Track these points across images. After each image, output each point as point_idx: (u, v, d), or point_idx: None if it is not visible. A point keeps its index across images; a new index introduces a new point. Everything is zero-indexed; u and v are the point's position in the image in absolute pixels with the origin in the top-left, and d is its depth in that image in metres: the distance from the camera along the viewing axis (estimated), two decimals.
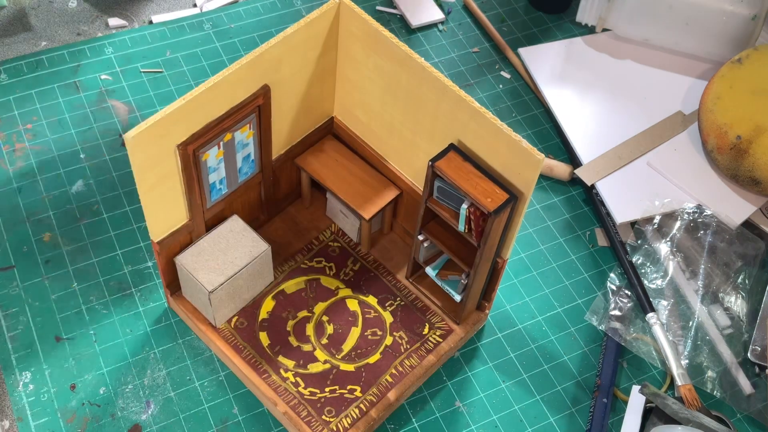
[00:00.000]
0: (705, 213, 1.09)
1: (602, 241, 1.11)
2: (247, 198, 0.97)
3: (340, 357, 0.95)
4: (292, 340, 0.96)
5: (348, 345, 0.96)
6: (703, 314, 1.03)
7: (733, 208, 1.10)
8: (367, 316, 0.99)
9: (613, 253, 1.10)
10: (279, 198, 1.03)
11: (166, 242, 0.89)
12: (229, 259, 0.91)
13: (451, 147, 0.85)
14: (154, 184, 0.82)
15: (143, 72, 1.19)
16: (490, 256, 0.89)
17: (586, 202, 1.14)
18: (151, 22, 1.26)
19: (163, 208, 0.85)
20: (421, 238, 0.94)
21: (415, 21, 1.29)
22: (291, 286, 1.00)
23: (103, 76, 1.18)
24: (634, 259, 1.06)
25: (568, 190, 1.16)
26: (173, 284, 0.96)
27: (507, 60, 1.27)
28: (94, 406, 0.92)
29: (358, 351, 0.96)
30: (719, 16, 1.18)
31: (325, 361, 0.95)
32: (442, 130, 0.86)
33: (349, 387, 0.93)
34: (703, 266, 1.06)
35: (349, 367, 0.95)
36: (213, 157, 0.86)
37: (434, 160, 0.84)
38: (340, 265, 1.02)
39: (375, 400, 0.92)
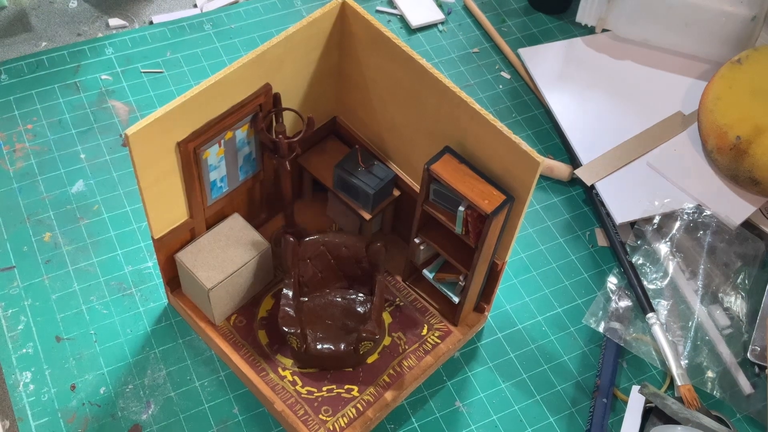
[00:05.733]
0: (705, 213, 1.09)
1: (602, 241, 1.11)
2: (248, 196, 0.97)
3: None
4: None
5: None
6: (702, 314, 1.03)
7: (733, 208, 1.10)
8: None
9: (612, 253, 1.10)
10: (280, 197, 1.03)
11: (167, 239, 0.90)
12: (229, 257, 0.92)
13: (447, 149, 0.85)
14: (155, 181, 0.82)
15: (144, 72, 1.19)
16: (487, 257, 0.89)
17: (586, 203, 1.14)
18: (151, 23, 1.26)
19: (164, 205, 0.86)
20: (417, 241, 0.94)
21: (416, 21, 1.29)
22: None
23: (103, 77, 1.18)
24: (633, 260, 1.06)
25: (568, 190, 1.16)
26: (173, 281, 0.96)
27: (507, 60, 1.28)
28: (95, 406, 0.92)
29: None
30: (719, 17, 1.18)
31: None
32: (442, 132, 0.86)
33: (346, 386, 0.93)
34: (702, 266, 1.06)
35: (347, 367, 0.95)
36: (214, 155, 0.86)
37: (429, 163, 0.84)
38: None
39: (372, 400, 0.92)
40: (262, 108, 0.88)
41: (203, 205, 0.91)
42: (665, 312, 1.03)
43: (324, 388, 0.93)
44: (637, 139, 1.16)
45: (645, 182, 1.12)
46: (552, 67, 1.23)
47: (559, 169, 1.15)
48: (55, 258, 1.02)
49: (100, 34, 1.24)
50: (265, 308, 0.98)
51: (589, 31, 1.31)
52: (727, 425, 0.93)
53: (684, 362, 1.00)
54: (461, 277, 0.94)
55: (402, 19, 1.31)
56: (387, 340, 0.97)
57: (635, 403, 0.95)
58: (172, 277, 0.96)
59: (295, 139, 0.89)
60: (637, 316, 1.03)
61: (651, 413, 0.95)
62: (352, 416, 0.91)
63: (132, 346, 0.97)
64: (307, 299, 0.97)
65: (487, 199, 0.82)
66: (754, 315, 1.04)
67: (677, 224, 1.08)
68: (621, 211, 1.09)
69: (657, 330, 1.00)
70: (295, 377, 0.93)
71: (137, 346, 0.97)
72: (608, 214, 1.09)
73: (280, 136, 0.88)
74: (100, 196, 1.07)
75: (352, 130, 0.99)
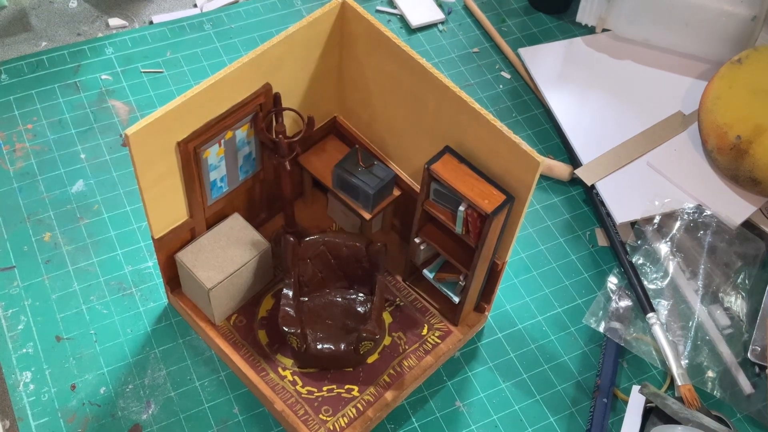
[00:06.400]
0: (705, 213, 1.09)
1: (602, 241, 1.11)
2: (248, 196, 0.97)
3: None
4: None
5: None
6: (703, 314, 1.03)
7: (733, 208, 1.10)
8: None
9: (613, 253, 1.10)
10: (280, 197, 1.03)
11: (167, 239, 0.90)
12: (229, 257, 0.92)
13: (447, 149, 0.85)
14: (155, 181, 0.82)
15: (144, 72, 1.19)
16: (487, 257, 0.89)
17: (586, 202, 1.14)
18: (151, 23, 1.26)
19: (164, 205, 0.86)
20: (417, 241, 0.94)
21: (416, 21, 1.29)
22: None
23: (103, 77, 1.18)
24: (634, 260, 1.06)
25: (568, 190, 1.16)
26: (173, 281, 0.96)
27: (507, 60, 1.28)
28: (95, 406, 0.92)
29: None
30: (719, 17, 1.18)
31: None
32: (442, 131, 0.86)
33: (346, 386, 0.93)
34: (703, 266, 1.06)
35: (348, 367, 0.95)
36: (214, 154, 0.86)
37: (430, 162, 0.84)
38: None
39: (372, 399, 0.92)
40: (262, 108, 0.88)
41: (203, 205, 0.91)
42: (665, 312, 1.03)
43: (324, 388, 0.93)
44: (637, 139, 1.16)
45: (645, 182, 1.12)
46: (552, 67, 1.23)
47: (559, 168, 1.15)
48: (55, 258, 1.02)
49: (100, 34, 1.24)
50: (265, 308, 0.98)
51: (589, 31, 1.31)
52: (727, 425, 0.93)
53: (684, 362, 1.00)
54: (461, 277, 0.94)
55: (402, 18, 1.31)
56: (387, 340, 0.97)
57: (635, 403, 0.95)
58: (172, 277, 0.96)
59: (295, 138, 0.89)
60: (638, 316, 1.03)
61: (651, 413, 0.95)
62: (352, 416, 0.91)
63: (132, 346, 0.97)
64: (307, 299, 0.97)
65: (487, 198, 0.82)
66: (755, 315, 1.04)
67: (677, 224, 1.08)
68: (621, 211, 1.09)
69: (657, 330, 1.00)
70: (295, 377, 0.93)
71: (137, 346, 0.97)
72: (608, 214, 1.09)
73: (280, 135, 0.88)
74: (100, 196, 1.07)
75: (352, 130, 0.99)
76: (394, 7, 1.32)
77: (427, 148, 0.90)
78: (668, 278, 1.05)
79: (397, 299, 1.00)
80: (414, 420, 0.95)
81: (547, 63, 1.24)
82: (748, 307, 1.05)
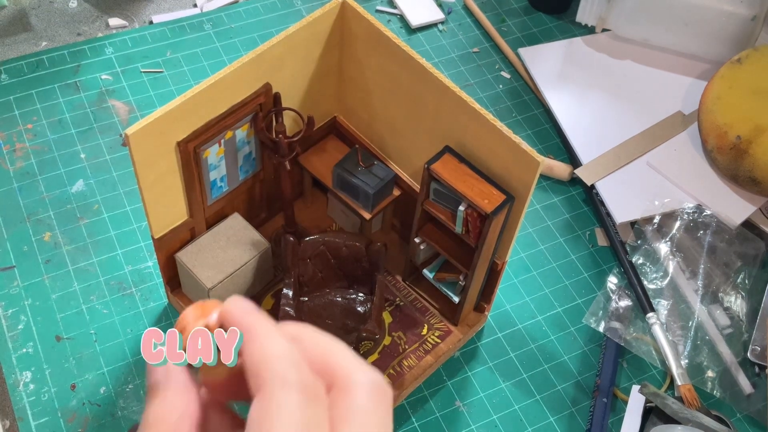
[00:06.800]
0: (705, 213, 1.09)
1: (602, 241, 1.11)
2: (248, 196, 0.98)
3: None
4: None
5: None
6: (702, 314, 1.03)
7: (733, 208, 1.10)
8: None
9: (613, 253, 1.10)
10: (280, 196, 1.03)
11: (167, 239, 0.90)
12: (229, 257, 0.92)
13: (447, 149, 0.85)
14: (155, 181, 0.82)
15: (144, 72, 1.19)
16: (487, 257, 0.89)
17: (586, 202, 1.14)
18: (151, 22, 1.26)
19: (164, 205, 0.86)
20: (417, 240, 0.94)
21: (416, 21, 1.30)
22: None
23: (103, 76, 1.18)
24: (633, 259, 1.06)
25: (567, 190, 1.16)
26: (173, 281, 0.96)
27: (507, 60, 1.28)
28: (95, 406, 0.92)
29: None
30: (719, 17, 1.18)
31: None
32: (442, 131, 0.86)
33: None
34: (702, 266, 1.06)
35: None
36: (214, 154, 0.86)
37: (430, 162, 0.84)
38: None
39: None
40: (262, 107, 0.88)
41: (203, 205, 0.91)
42: (665, 312, 1.03)
43: None
44: (637, 139, 1.16)
45: (645, 182, 1.12)
46: (552, 66, 1.23)
47: (559, 168, 1.15)
48: (55, 258, 1.02)
49: (100, 34, 1.24)
50: (265, 308, 0.98)
51: (589, 30, 1.31)
52: (727, 425, 0.93)
53: (684, 362, 1.00)
54: (461, 277, 0.94)
55: (402, 18, 1.31)
56: (387, 340, 0.97)
57: (635, 402, 0.95)
58: (172, 277, 0.96)
59: (295, 138, 0.89)
60: (637, 316, 1.03)
61: (651, 413, 0.95)
62: None
63: (132, 345, 0.97)
64: (307, 299, 0.97)
65: (487, 198, 0.82)
66: (754, 315, 1.04)
67: (677, 224, 1.08)
68: (621, 211, 1.09)
69: (657, 330, 1.00)
70: None
71: (137, 346, 0.97)
72: (608, 214, 1.09)
73: (280, 135, 0.88)
74: (100, 195, 1.07)
75: (352, 130, 0.99)
76: (394, 7, 1.32)
77: (427, 148, 0.90)
78: (668, 278, 1.05)
79: (397, 299, 1.00)
80: (414, 420, 0.95)
81: (547, 63, 1.24)
82: (748, 307, 1.05)
